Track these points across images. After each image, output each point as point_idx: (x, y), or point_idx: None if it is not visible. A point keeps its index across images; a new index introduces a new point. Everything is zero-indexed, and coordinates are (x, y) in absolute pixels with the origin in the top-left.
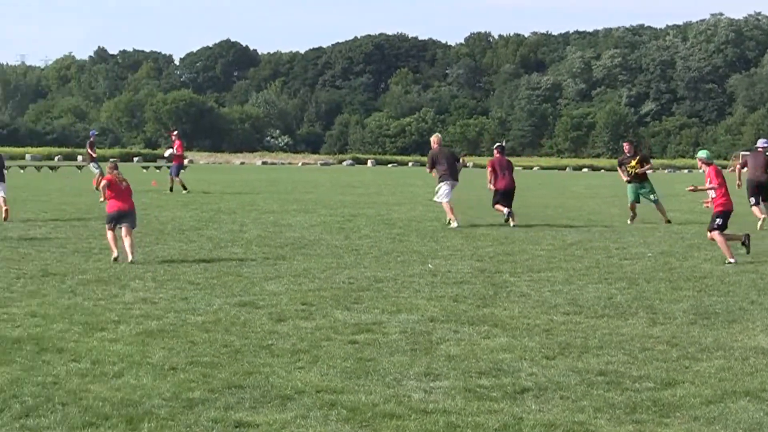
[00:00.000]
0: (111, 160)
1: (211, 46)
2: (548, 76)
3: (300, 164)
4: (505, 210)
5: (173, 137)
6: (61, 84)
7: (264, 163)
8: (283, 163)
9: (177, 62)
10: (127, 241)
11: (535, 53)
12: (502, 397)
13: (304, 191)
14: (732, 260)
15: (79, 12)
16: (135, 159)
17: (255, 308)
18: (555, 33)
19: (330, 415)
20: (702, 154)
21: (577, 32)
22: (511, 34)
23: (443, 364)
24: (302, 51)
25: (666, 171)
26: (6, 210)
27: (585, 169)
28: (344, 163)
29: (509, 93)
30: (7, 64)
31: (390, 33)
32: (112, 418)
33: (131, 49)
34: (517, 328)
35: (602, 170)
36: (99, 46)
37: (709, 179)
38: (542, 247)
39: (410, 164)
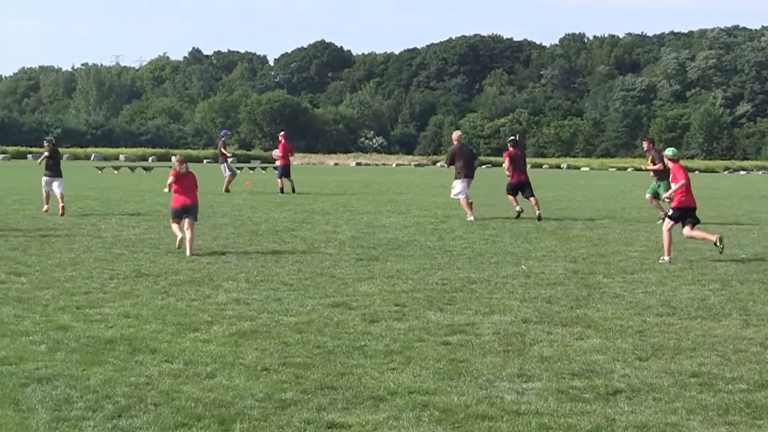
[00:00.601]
0: (178, 156)
1: (305, 46)
2: (643, 77)
3: (394, 165)
4: (518, 208)
5: (280, 137)
6: (155, 85)
7: (358, 163)
8: (377, 164)
9: (271, 63)
10: (188, 235)
11: (630, 54)
12: (594, 398)
13: (398, 192)
14: (666, 258)
15: (174, 13)
16: (229, 159)
17: (348, 309)
18: (650, 34)
19: (422, 417)
20: (668, 152)
21: (672, 33)
22: (606, 35)
23: (536, 366)
24: (397, 52)
25: (760, 173)
26: (62, 207)
27: None
28: (438, 164)
29: (603, 94)
30: (102, 65)
31: (485, 34)
32: (204, 419)
33: (226, 50)
34: (610, 329)
35: (696, 171)
36: (193, 47)
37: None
38: (635, 249)
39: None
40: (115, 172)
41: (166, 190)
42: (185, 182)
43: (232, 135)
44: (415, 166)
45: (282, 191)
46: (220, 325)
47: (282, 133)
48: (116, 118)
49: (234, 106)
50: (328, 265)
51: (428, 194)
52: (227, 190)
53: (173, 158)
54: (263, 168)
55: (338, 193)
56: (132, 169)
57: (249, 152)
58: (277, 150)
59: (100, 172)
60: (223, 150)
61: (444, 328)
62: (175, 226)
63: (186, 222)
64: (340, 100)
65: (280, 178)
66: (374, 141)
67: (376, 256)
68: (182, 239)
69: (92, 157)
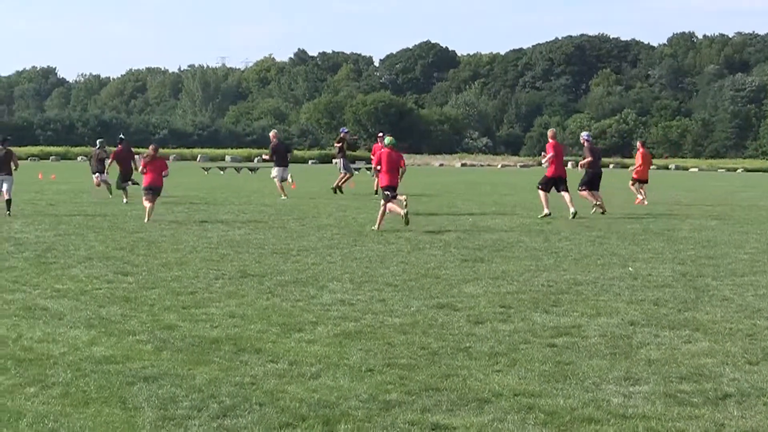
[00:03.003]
0: (153, 145)
1: (411, 47)
2: (753, 77)
3: (499, 166)
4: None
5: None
6: (260, 86)
7: (463, 164)
8: (482, 165)
9: (377, 64)
10: (148, 206)
11: (740, 53)
12: (703, 402)
13: (503, 193)
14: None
15: (280, 15)
16: (334, 161)
17: (453, 310)
18: (761, 33)
19: (527, 419)
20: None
21: None
22: (716, 35)
23: (643, 369)
24: (502, 52)
25: None
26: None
27: None
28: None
29: (713, 94)
30: (208, 66)
31: (591, 34)
32: (308, 419)
33: (331, 51)
34: (719, 332)
35: None
36: (299, 48)
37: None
38: (746, 251)
39: (611, 166)
40: (221, 172)
41: (140, 170)
42: (154, 165)
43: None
44: (521, 167)
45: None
46: (324, 326)
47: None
48: (222, 119)
49: (339, 106)
50: (433, 266)
51: (533, 195)
52: (338, 190)
53: (150, 147)
54: (368, 169)
55: (443, 194)
56: (238, 169)
57: (354, 153)
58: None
59: (206, 172)
60: (341, 146)
61: (549, 330)
62: (146, 202)
63: (151, 196)
64: (445, 101)
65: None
66: (479, 142)
67: (481, 257)
68: (150, 210)
69: (198, 158)
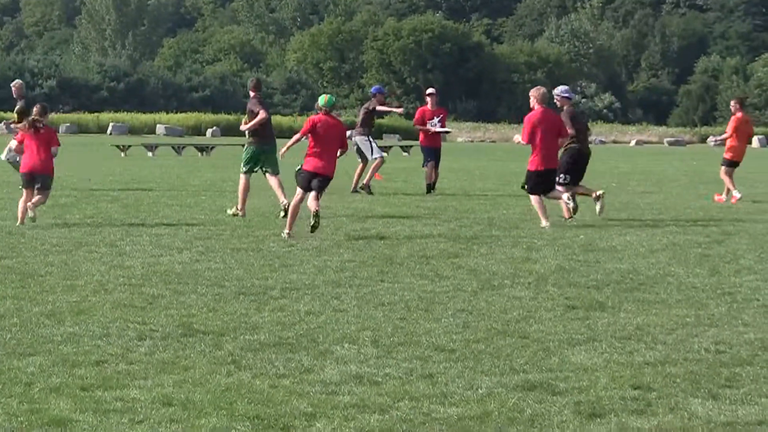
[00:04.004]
0: None
1: None
2: None
3: (632, 143)
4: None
5: (427, 97)
6: (217, 5)
7: None
8: (602, 141)
9: None
10: (27, 206)
11: None
12: None
13: (640, 191)
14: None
15: None
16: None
17: (551, 394)
18: None
19: None
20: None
21: None
22: None
23: None
24: None
25: None
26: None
27: None
28: (710, 141)
29: None
30: None
31: None
32: None
33: None
34: None
35: None
36: None
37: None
38: None
39: None
40: (150, 154)
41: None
42: (39, 139)
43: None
44: (670, 144)
45: (431, 188)
46: (329, 422)
47: (431, 90)
48: (151, 62)
49: (354, 40)
50: (516, 316)
51: (693, 193)
52: (366, 189)
53: (34, 108)
54: (404, 148)
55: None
56: (177, 148)
57: (381, 119)
58: (436, 121)
59: (122, 153)
60: (366, 116)
61: (720, 428)
62: (24, 200)
63: (32, 190)
64: (538, 31)
65: (427, 165)
66: (599, 102)
67: (601, 301)
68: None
69: (110, 129)
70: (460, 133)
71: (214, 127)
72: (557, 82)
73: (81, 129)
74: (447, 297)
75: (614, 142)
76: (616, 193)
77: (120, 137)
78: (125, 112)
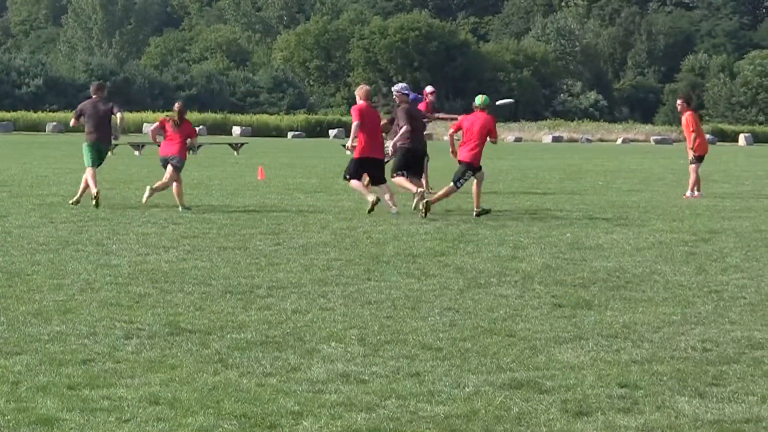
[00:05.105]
0: None
1: None
2: None
3: (619, 141)
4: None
5: (427, 95)
6: (204, 4)
7: (556, 138)
8: (589, 140)
9: None
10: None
11: None
12: None
13: (626, 189)
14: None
15: None
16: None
17: (538, 392)
18: None
19: None
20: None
21: None
22: None
23: None
24: None
25: None
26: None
27: None
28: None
29: None
30: None
31: None
32: None
33: None
34: None
35: None
36: None
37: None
38: None
39: None
40: (136, 152)
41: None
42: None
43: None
44: (657, 142)
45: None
46: (315, 420)
47: (430, 89)
48: (137, 61)
49: (341, 38)
50: (502, 314)
51: (680, 191)
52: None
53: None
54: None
55: (521, 191)
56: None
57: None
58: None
59: (110, 152)
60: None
61: (707, 426)
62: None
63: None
64: (524, 29)
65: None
66: (585, 100)
67: (588, 299)
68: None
69: None
70: (447, 132)
71: (201, 126)
72: (543, 81)
73: (69, 127)
74: (434, 295)
75: (600, 140)
76: (603, 191)
77: None
78: None
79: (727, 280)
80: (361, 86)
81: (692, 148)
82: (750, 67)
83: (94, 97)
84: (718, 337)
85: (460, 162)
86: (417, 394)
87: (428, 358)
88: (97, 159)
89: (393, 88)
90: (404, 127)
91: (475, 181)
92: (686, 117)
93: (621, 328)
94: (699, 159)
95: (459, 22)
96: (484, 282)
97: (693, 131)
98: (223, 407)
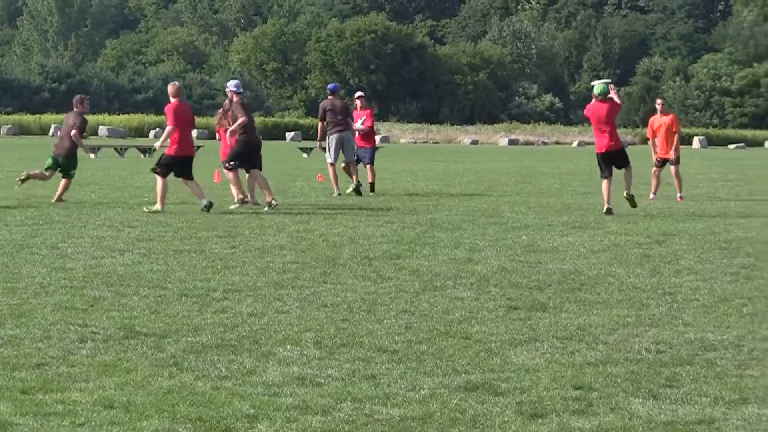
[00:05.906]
0: None
1: None
2: None
3: (575, 144)
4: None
5: (357, 101)
6: (160, 6)
7: (512, 141)
8: (545, 143)
9: None
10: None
11: None
12: None
13: (582, 192)
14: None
15: None
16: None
17: (493, 395)
18: None
19: None
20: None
21: None
22: None
23: None
24: None
25: None
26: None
27: None
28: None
29: None
30: None
31: None
32: None
33: None
34: None
35: None
36: None
37: None
38: None
39: None
40: (92, 156)
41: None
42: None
43: (290, 91)
44: None
45: (371, 189)
46: (270, 423)
47: (360, 94)
48: (93, 63)
49: (297, 41)
50: (458, 317)
51: (635, 194)
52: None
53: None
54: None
55: (477, 194)
56: (120, 150)
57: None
58: (359, 123)
59: (93, 156)
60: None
61: (661, 427)
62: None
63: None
64: (481, 32)
65: (368, 164)
66: (541, 102)
67: (543, 302)
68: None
69: (52, 130)
70: (403, 134)
71: (157, 129)
72: (500, 83)
73: (23, 130)
74: (389, 298)
75: (557, 143)
76: (558, 194)
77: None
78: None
79: (681, 282)
80: (172, 83)
81: (675, 149)
82: (704, 70)
83: (75, 109)
84: (671, 339)
85: (599, 154)
86: (372, 396)
87: (384, 361)
88: (55, 166)
89: (228, 84)
90: (241, 119)
91: (624, 170)
92: (671, 117)
93: (576, 330)
94: (662, 163)
95: (416, 25)
96: (440, 285)
97: (676, 131)
98: (178, 411)
